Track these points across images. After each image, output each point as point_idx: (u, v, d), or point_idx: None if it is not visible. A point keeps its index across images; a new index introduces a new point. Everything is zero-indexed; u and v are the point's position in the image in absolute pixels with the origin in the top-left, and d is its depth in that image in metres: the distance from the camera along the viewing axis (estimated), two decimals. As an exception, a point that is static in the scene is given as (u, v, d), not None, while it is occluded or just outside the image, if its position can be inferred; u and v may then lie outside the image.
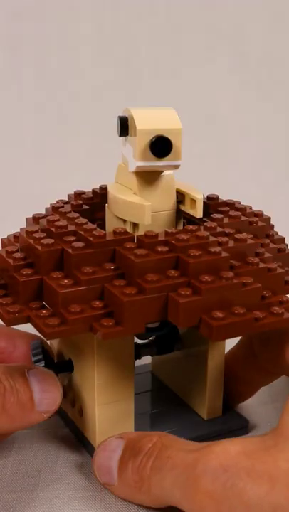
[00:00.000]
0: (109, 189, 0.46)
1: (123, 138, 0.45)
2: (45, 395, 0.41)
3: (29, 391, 0.41)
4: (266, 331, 0.43)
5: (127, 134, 0.44)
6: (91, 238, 0.41)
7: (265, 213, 0.48)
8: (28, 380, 0.41)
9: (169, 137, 0.43)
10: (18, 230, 0.45)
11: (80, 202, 0.48)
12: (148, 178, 0.44)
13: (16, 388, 0.40)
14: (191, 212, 0.45)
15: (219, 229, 0.44)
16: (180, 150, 0.43)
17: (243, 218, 0.46)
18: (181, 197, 0.45)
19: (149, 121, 0.43)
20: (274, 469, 0.36)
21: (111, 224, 0.46)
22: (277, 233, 0.48)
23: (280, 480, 0.35)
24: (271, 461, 0.36)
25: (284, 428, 0.37)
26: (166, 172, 0.45)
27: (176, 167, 0.44)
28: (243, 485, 0.35)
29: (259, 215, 0.48)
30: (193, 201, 0.44)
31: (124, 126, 0.44)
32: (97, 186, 0.50)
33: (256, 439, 0.38)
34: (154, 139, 0.43)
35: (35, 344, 0.45)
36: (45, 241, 0.41)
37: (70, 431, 0.48)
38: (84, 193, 0.50)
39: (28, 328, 0.44)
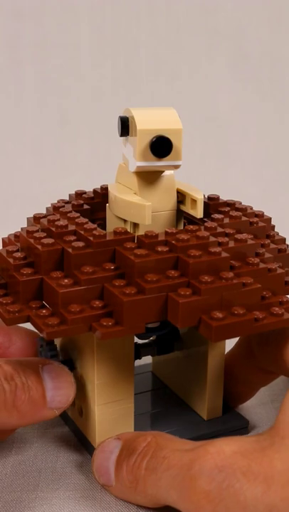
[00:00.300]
0: (109, 189, 0.46)
1: (124, 138, 0.45)
2: (58, 392, 0.41)
3: (41, 388, 0.41)
4: (265, 332, 0.43)
5: (128, 134, 0.44)
6: (91, 238, 0.41)
7: (266, 214, 0.48)
8: (41, 376, 0.41)
9: (169, 137, 0.43)
10: (19, 230, 0.46)
11: (81, 202, 0.48)
12: (148, 178, 0.44)
13: (28, 385, 0.40)
14: (191, 212, 0.45)
15: (219, 229, 0.44)
16: (180, 150, 0.43)
17: (244, 219, 0.46)
18: (181, 197, 0.45)
19: (149, 121, 0.43)
20: (270, 470, 0.36)
21: (111, 224, 0.46)
22: (278, 233, 0.48)
23: (276, 480, 0.35)
24: (267, 461, 0.36)
25: (280, 428, 0.37)
26: (167, 172, 0.45)
27: (177, 167, 0.44)
28: (239, 485, 0.35)
29: (260, 215, 0.48)
30: (194, 201, 0.44)
31: (125, 126, 0.44)
32: (97, 186, 0.50)
33: (252, 439, 0.38)
34: (154, 139, 0.43)
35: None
36: (45, 241, 0.41)
37: (70, 431, 0.48)
38: (85, 192, 0.50)
39: (27, 327, 0.44)
